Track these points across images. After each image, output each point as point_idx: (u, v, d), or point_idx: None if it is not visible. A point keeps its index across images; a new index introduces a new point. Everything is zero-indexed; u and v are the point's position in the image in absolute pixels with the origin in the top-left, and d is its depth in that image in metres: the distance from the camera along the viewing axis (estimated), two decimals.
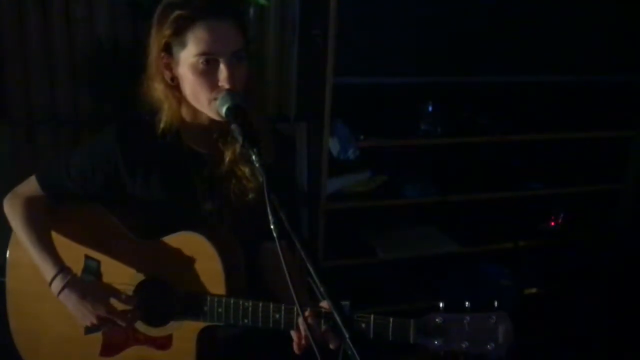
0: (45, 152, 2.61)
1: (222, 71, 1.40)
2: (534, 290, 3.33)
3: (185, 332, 1.56)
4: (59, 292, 1.53)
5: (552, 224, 3.39)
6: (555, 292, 3.36)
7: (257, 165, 1.25)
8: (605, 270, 3.41)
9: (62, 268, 1.54)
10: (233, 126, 1.34)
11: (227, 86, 1.40)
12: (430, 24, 2.94)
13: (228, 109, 1.37)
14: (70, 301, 1.54)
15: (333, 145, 2.85)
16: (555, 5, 3.09)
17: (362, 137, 2.89)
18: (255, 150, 1.27)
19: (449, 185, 3.16)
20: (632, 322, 3.20)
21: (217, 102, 1.40)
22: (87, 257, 1.62)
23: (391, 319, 1.36)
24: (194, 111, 1.51)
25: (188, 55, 1.41)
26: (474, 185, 3.19)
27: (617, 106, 3.31)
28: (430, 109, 2.98)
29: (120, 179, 1.57)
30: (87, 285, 1.57)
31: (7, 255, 1.69)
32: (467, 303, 1.33)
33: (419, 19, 2.93)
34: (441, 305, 1.34)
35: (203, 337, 1.56)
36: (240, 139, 1.31)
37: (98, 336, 1.63)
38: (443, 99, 3.01)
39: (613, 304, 3.32)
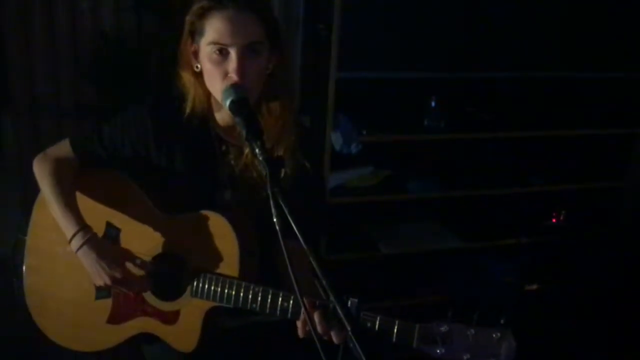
0: (48, 141, 2.62)
1: (232, 62, 1.42)
2: (535, 286, 3.33)
3: (193, 309, 1.58)
4: (78, 249, 1.56)
5: (555, 220, 3.39)
6: (557, 289, 3.36)
7: (260, 158, 1.25)
8: (607, 268, 3.41)
9: (83, 226, 1.57)
10: (237, 119, 1.35)
11: (235, 77, 1.41)
12: (435, 18, 2.93)
13: (232, 102, 1.38)
14: (87, 259, 1.56)
15: (336, 139, 2.84)
16: (560, 1, 3.08)
17: (364, 131, 2.89)
18: (258, 143, 1.27)
19: (452, 180, 3.16)
20: (634, 320, 3.20)
21: (222, 95, 1.41)
22: (108, 224, 1.66)
23: (397, 322, 1.37)
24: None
25: (205, 44, 1.45)
26: (477, 181, 3.18)
27: (620, 103, 3.30)
28: (433, 104, 2.98)
29: (147, 153, 1.61)
30: (106, 245, 1.60)
31: (32, 214, 1.74)
32: (474, 316, 1.34)
33: (423, 13, 2.92)
34: (449, 314, 1.35)
35: (209, 317, 1.58)
36: (243, 132, 1.32)
37: (107, 303, 1.66)
38: (446, 95, 3.00)
39: (615, 301, 3.32)
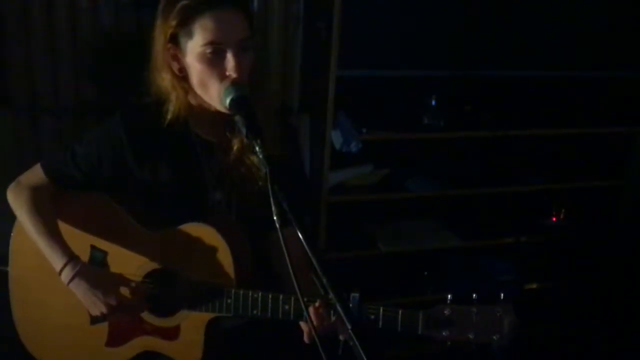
0: (48, 140, 2.62)
1: (230, 60, 1.40)
2: (534, 285, 3.34)
3: (193, 323, 1.56)
4: (69, 281, 1.52)
5: (554, 219, 3.39)
6: (556, 288, 3.36)
7: (260, 156, 1.25)
8: (606, 266, 3.42)
9: (71, 257, 1.54)
10: (236, 117, 1.35)
11: (234, 75, 1.40)
12: (435, 17, 2.94)
13: (232, 100, 1.38)
14: (80, 290, 1.53)
15: (335, 137, 2.84)
16: (560, 1, 3.08)
17: (364, 130, 2.88)
18: (258, 141, 1.27)
19: (451, 179, 3.15)
20: (633, 318, 3.20)
21: (222, 94, 1.40)
22: (93, 247, 1.61)
23: (400, 311, 1.38)
24: (202, 100, 1.51)
25: (195, 45, 1.41)
26: (476, 180, 3.18)
27: (619, 102, 3.30)
28: (433, 102, 2.97)
29: (127, 167, 1.57)
30: (97, 274, 1.57)
31: (11, 243, 1.67)
32: (474, 295, 1.36)
33: (423, 12, 2.92)
34: (449, 297, 1.37)
35: (211, 328, 1.56)
36: (243, 130, 1.31)
37: (104, 326, 1.62)
38: (446, 93, 3.00)
39: (613, 300, 3.32)
